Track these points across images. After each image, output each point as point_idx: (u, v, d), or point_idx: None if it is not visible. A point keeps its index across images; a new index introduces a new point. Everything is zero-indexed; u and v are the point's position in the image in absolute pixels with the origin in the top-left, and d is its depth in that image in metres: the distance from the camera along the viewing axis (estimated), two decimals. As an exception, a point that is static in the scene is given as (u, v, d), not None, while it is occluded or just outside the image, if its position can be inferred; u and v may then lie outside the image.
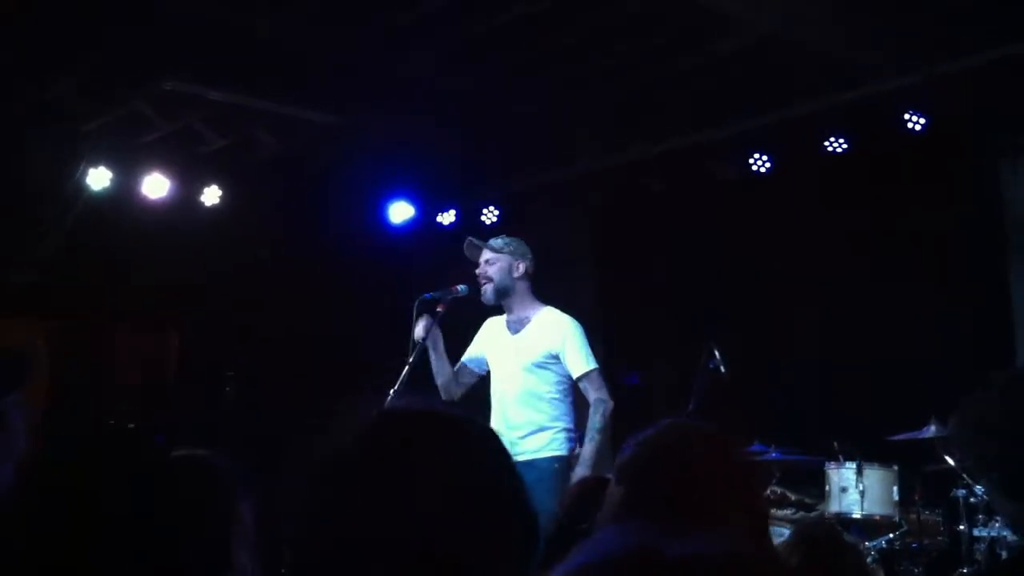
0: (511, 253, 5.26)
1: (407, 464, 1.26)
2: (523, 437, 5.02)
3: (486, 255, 5.25)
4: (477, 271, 5.26)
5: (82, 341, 8.73)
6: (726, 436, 1.76)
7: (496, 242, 5.31)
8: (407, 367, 4.83)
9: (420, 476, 1.25)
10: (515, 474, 1.37)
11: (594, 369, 5.10)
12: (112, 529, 1.63)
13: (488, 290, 5.21)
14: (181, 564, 1.68)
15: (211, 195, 8.13)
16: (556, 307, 5.30)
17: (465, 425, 1.36)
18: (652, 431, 1.75)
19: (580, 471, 4.85)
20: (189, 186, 8.05)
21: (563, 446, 5.07)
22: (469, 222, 8.52)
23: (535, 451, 5.01)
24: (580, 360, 5.10)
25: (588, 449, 4.93)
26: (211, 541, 1.82)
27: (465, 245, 5.35)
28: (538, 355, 5.12)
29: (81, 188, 7.61)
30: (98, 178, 7.63)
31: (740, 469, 1.75)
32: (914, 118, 6.74)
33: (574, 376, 5.11)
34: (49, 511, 1.64)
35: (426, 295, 5.12)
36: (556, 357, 5.11)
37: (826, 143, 7.05)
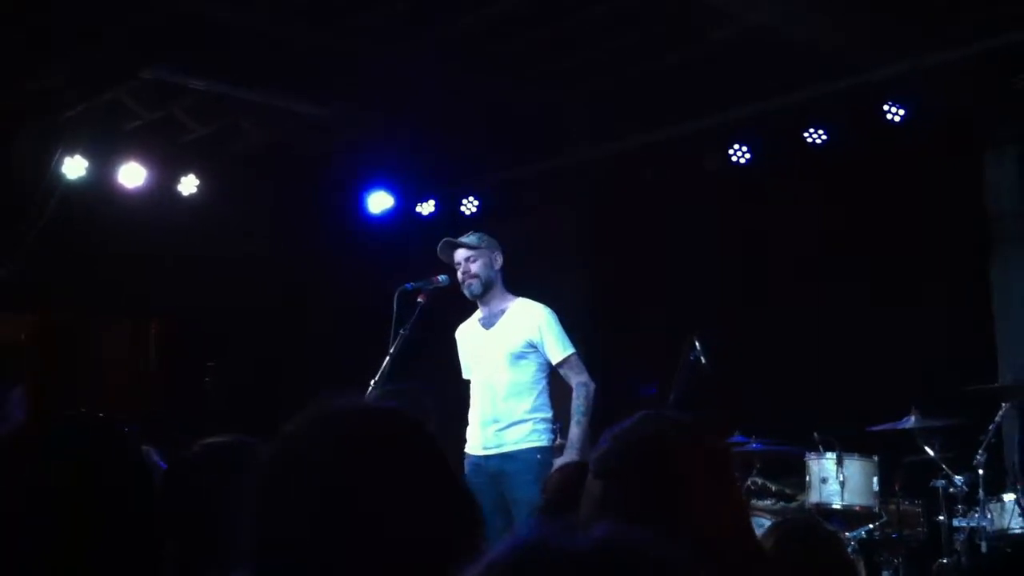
0: (488, 247, 5.27)
1: (339, 463, 1.26)
2: (504, 429, 5.05)
3: (465, 252, 5.24)
4: (459, 270, 5.23)
5: (62, 334, 8.66)
6: (701, 426, 1.75)
7: (471, 239, 5.30)
8: (388, 358, 4.79)
9: (354, 474, 1.25)
10: (446, 461, 1.37)
11: (572, 354, 5.14)
12: (91, 522, 1.61)
13: (475, 285, 5.20)
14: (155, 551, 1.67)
15: (188, 184, 8.05)
16: (548, 298, 5.32)
17: (397, 419, 1.35)
18: (628, 423, 1.74)
19: (569, 455, 4.88)
20: (167, 175, 7.96)
21: (544, 436, 5.10)
22: (448, 213, 8.48)
23: (516, 442, 5.03)
24: (558, 346, 5.12)
25: (575, 433, 4.97)
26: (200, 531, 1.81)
27: (440, 246, 5.30)
28: (517, 345, 5.13)
29: (57, 177, 7.52)
30: (74, 167, 7.52)
31: (716, 459, 1.74)
32: (895, 109, 6.75)
33: (553, 363, 5.13)
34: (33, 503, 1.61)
35: (407, 285, 5.09)
36: (534, 346, 5.13)
37: (807, 134, 7.06)
